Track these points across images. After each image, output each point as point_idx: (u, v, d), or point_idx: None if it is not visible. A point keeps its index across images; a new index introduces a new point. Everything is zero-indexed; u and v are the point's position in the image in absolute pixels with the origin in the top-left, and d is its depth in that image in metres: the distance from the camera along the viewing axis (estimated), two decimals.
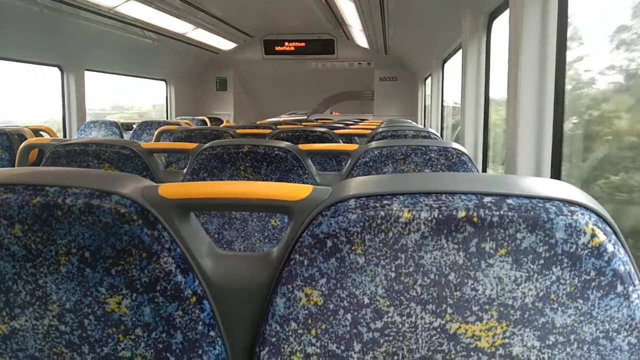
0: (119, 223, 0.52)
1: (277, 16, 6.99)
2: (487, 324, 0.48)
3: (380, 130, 2.22)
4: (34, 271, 0.54)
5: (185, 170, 1.45)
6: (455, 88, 4.28)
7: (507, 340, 0.48)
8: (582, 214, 0.47)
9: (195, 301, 0.55)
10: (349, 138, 2.45)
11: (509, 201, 0.47)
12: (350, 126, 3.31)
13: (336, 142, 2.07)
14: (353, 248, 0.49)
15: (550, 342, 0.48)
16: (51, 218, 0.52)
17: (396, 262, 0.48)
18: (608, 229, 0.47)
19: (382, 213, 0.48)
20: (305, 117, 6.69)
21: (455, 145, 1.35)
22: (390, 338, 0.50)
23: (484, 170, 3.01)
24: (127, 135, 4.28)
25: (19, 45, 4.14)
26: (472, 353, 0.49)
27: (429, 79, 5.80)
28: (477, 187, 0.49)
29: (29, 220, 0.53)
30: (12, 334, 0.56)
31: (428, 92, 6.21)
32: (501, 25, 2.69)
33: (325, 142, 2.07)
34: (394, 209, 0.48)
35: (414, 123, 3.92)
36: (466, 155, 1.32)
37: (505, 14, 2.07)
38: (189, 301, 0.54)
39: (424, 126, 5.63)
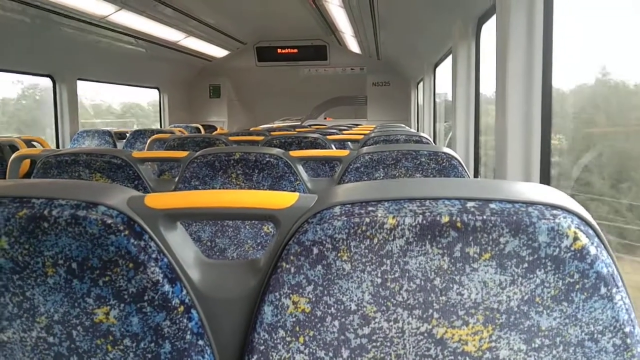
0: (105, 234, 0.52)
1: (270, 23, 7.01)
2: (473, 328, 0.49)
3: (372, 135, 2.23)
4: (21, 283, 0.54)
5: (177, 178, 1.45)
6: (447, 92, 4.30)
7: (493, 344, 0.49)
8: (565, 217, 0.47)
9: (183, 310, 0.55)
10: (342, 144, 2.46)
11: (492, 206, 0.48)
12: (344, 131, 3.31)
13: (329, 148, 2.07)
14: (339, 255, 0.49)
15: (536, 345, 0.48)
16: (38, 230, 0.52)
17: (382, 268, 0.48)
18: (590, 231, 0.48)
19: (367, 220, 0.48)
20: (299, 123, 6.71)
21: (446, 149, 1.35)
22: (378, 344, 0.50)
23: (476, 173, 3.02)
24: (120, 145, 4.28)
25: (9, 55, 4.13)
26: (459, 357, 0.49)
27: (421, 83, 5.83)
28: (460, 192, 0.50)
29: (15, 232, 0.53)
30: (0, 346, 0.55)
31: (420, 96, 6.24)
32: (491, 30, 2.71)
33: (318, 148, 2.07)
34: (379, 215, 0.48)
35: (407, 128, 3.94)
36: (456, 159, 1.33)
37: (494, 19, 2.09)
38: (177, 310, 0.54)
39: (417, 130, 5.65)
